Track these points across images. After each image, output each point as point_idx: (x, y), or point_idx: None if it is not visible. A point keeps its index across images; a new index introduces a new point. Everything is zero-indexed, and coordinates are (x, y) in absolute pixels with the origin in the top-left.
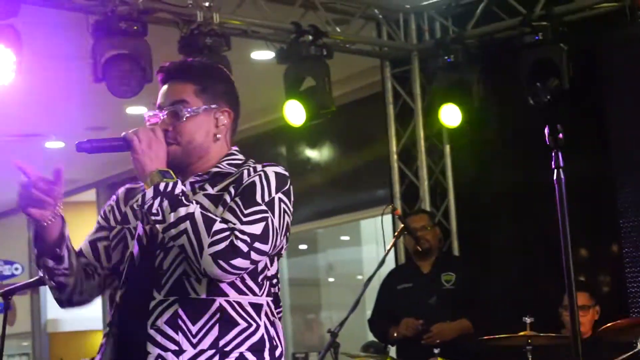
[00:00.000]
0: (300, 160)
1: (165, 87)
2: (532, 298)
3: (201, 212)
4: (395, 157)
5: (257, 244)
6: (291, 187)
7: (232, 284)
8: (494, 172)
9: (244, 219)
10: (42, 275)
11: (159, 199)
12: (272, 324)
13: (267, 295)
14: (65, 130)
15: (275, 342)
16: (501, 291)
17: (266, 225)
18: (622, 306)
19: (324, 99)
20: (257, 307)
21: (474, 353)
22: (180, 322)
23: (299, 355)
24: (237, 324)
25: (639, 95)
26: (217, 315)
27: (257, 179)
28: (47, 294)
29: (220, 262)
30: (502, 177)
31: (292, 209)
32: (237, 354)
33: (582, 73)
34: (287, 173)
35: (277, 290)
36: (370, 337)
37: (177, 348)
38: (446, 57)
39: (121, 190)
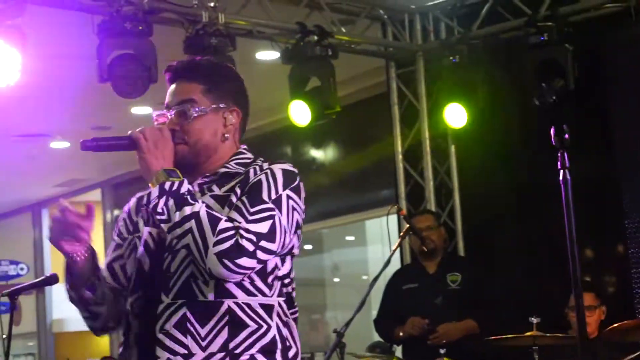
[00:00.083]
0: (305, 161)
1: (173, 86)
2: (538, 298)
3: (207, 211)
4: (400, 157)
5: (263, 243)
6: (301, 183)
7: (241, 286)
8: (500, 173)
9: (250, 218)
10: (76, 307)
11: (164, 197)
12: (285, 324)
13: (279, 296)
14: (70, 130)
15: (289, 342)
16: (507, 291)
17: (273, 224)
18: (627, 307)
19: (329, 99)
20: (267, 308)
21: (480, 353)
22: (188, 325)
23: (305, 356)
24: (247, 325)
25: None
26: (226, 318)
27: (263, 177)
28: (52, 294)
29: (226, 261)
30: (507, 178)
31: (303, 206)
32: (247, 356)
33: (587, 73)
34: (295, 170)
35: (290, 290)
36: (376, 337)
37: (186, 352)
38: (451, 58)
39: (132, 201)
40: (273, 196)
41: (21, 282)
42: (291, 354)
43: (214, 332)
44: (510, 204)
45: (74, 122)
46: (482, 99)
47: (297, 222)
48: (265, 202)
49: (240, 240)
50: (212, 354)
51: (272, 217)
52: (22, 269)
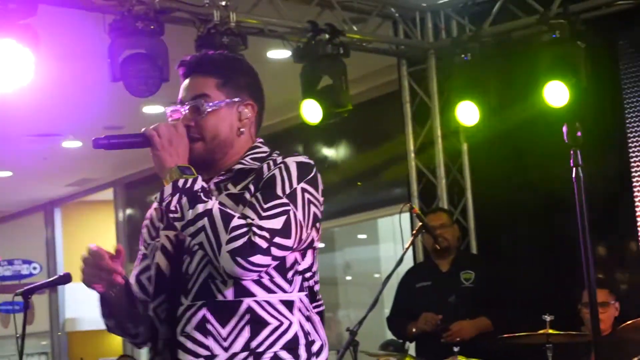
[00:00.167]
0: (317, 159)
1: (186, 81)
2: (551, 296)
3: (219, 208)
4: (412, 155)
5: (277, 239)
6: (318, 175)
7: (260, 283)
8: (512, 170)
9: (263, 214)
10: (114, 333)
11: (177, 195)
12: (308, 319)
13: (300, 291)
14: (82, 129)
15: (312, 336)
16: (520, 289)
17: (287, 219)
18: None
19: (340, 97)
20: (288, 304)
21: (494, 351)
22: (209, 326)
23: None
24: (268, 323)
25: None
26: (247, 317)
27: (277, 171)
28: (65, 293)
29: (239, 259)
30: (519, 175)
31: (320, 198)
32: (271, 354)
33: (600, 70)
34: (311, 161)
35: (312, 284)
36: (389, 336)
37: (208, 353)
38: (463, 56)
39: (154, 206)
40: (287, 190)
41: (34, 281)
42: (315, 348)
43: (235, 332)
44: (523, 201)
45: (86, 122)
46: (494, 97)
47: (315, 215)
48: (279, 198)
49: (253, 238)
50: (235, 354)
51: (286, 212)
52: (34, 268)
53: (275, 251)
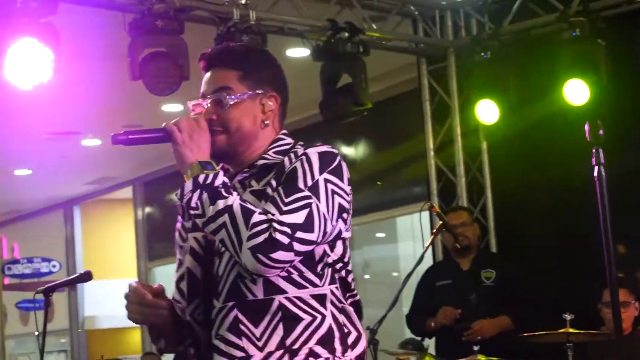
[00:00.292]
0: None
1: (208, 74)
2: (571, 294)
3: (240, 204)
4: (432, 154)
5: (300, 234)
6: (342, 164)
7: (290, 279)
8: (532, 168)
9: (284, 208)
10: (164, 352)
11: (198, 192)
12: (342, 310)
13: (331, 283)
14: (101, 127)
15: (347, 328)
16: (540, 288)
17: (310, 213)
18: None
19: (360, 96)
20: (320, 298)
21: (514, 350)
22: (242, 327)
23: None
24: (301, 319)
25: None
26: (279, 314)
27: (298, 164)
28: (84, 291)
29: (260, 256)
30: (539, 174)
31: (347, 187)
32: (306, 350)
33: (620, 68)
34: (334, 150)
35: (344, 275)
36: (408, 334)
37: (243, 354)
38: (482, 54)
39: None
40: (309, 183)
41: (53, 279)
42: (351, 339)
43: (268, 331)
44: (543, 200)
45: (105, 120)
46: (514, 95)
47: (340, 205)
48: (301, 191)
49: (273, 234)
50: (271, 353)
51: (308, 205)
52: (54, 266)
53: (297, 246)
